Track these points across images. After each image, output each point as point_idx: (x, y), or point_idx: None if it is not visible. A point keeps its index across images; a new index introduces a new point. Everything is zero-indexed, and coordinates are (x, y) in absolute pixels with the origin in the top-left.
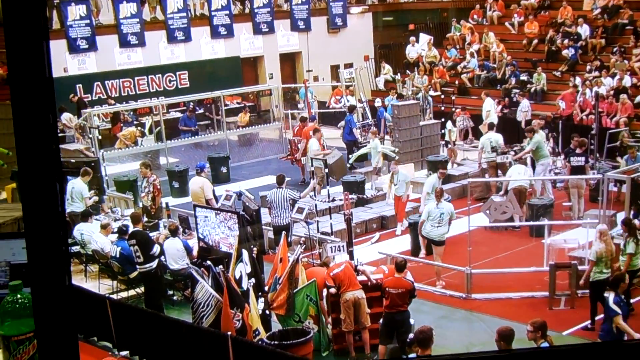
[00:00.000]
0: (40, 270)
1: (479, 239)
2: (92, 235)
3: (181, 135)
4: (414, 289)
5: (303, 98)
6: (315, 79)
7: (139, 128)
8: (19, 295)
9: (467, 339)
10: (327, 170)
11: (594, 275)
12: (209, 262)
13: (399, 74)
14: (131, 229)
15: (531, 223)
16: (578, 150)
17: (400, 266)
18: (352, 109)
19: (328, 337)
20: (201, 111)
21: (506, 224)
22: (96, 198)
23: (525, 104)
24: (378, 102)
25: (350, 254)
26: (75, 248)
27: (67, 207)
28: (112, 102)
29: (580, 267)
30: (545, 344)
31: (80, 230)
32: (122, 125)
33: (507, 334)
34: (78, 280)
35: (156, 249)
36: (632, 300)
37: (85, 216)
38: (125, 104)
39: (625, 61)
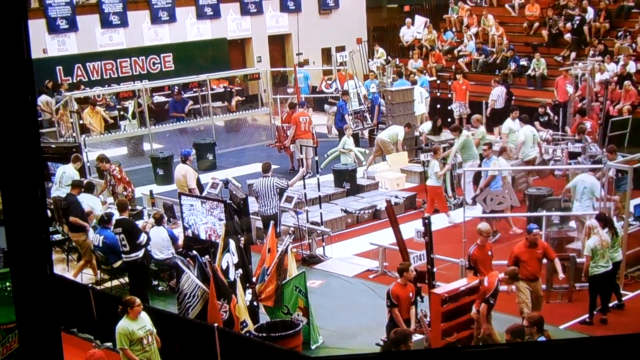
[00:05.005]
0: (20, 258)
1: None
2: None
3: (172, 121)
4: None
5: (302, 84)
6: (306, 62)
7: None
8: (7, 283)
9: None
10: None
11: (591, 269)
12: (195, 252)
13: (390, 60)
14: (117, 216)
15: (528, 214)
16: (577, 137)
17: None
18: (345, 94)
19: (318, 330)
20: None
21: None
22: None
23: (496, 91)
24: (373, 88)
25: (432, 261)
26: (57, 236)
27: (54, 192)
28: (83, 87)
29: (578, 260)
30: (543, 339)
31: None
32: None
33: (519, 330)
34: (60, 269)
35: (143, 237)
36: (630, 295)
37: (89, 188)
38: (107, 87)
39: (633, 45)
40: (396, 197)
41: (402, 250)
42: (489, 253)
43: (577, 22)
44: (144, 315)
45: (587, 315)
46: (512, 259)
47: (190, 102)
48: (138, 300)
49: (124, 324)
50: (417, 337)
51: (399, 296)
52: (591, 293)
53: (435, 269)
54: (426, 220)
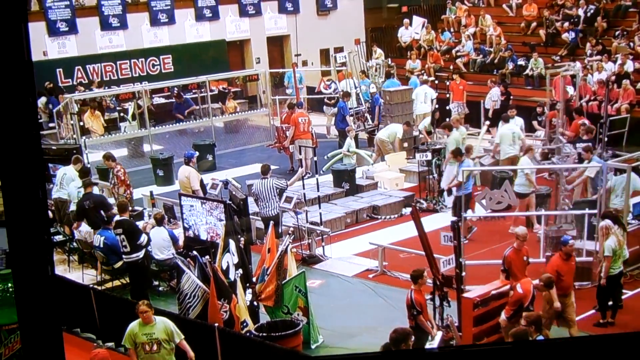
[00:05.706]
0: (22, 259)
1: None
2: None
3: (172, 122)
4: None
5: (299, 84)
6: (304, 63)
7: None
8: (9, 284)
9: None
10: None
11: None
12: (195, 253)
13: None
14: (117, 218)
15: (528, 213)
16: (585, 137)
17: None
18: (346, 95)
19: (318, 330)
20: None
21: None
22: None
23: (495, 92)
24: (373, 88)
25: (460, 265)
26: (58, 237)
27: (55, 193)
28: (82, 88)
29: (577, 259)
30: (541, 338)
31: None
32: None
33: (522, 334)
34: (61, 270)
35: (143, 238)
36: (629, 294)
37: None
38: (107, 88)
39: (630, 44)
40: (419, 201)
41: (428, 255)
42: (525, 258)
43: (592, 10)
44: (159, 323)
45: (586, 314)
46: (553, 274)
47: (194, 107)
48: (143, 307)
49: (132, 325)
50: (438, 335)
51: (422, 303)
52: (604, 294)
53: (463, 273)
54: (455, 225)
